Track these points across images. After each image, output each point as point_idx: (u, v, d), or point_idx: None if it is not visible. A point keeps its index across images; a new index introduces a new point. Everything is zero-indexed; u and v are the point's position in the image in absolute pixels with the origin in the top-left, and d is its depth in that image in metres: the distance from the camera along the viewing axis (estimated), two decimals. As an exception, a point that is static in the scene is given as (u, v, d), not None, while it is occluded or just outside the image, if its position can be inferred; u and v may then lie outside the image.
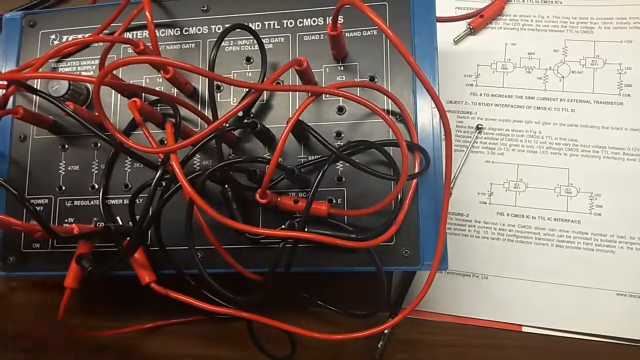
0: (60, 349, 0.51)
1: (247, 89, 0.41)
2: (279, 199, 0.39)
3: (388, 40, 0.42)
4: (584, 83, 0.50)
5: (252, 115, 0.42)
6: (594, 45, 0.51)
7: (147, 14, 0.37)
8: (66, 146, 0.44)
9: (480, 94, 0.51)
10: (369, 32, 0.43)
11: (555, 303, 0.46)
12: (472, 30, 0.53)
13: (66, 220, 0.43)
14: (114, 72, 0.43)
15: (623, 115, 0.49)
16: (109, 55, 0.42)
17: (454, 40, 0.53)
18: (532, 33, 0.52)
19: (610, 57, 0.50)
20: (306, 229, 0.38)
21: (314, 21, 0.43)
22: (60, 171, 0.44)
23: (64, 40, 0.46)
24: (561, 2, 0.52)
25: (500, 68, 0.52)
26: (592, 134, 0.49)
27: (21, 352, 0.51)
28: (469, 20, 0.53)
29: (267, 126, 0.40)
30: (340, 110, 0.42)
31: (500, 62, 0.52)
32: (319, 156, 0.41)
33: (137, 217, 0.37)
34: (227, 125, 0.38)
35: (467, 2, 0.54)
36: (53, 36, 0.47)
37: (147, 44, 0.40)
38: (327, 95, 0.42)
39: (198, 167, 0.42)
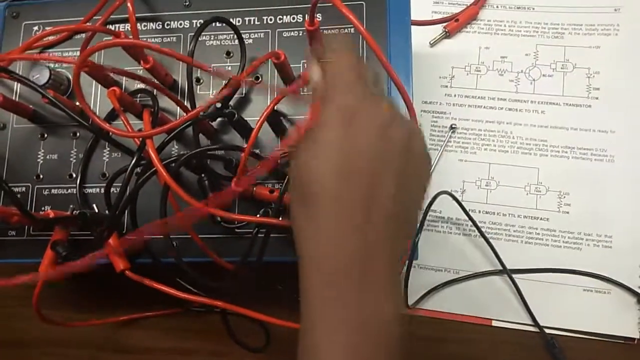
0: (33, 341, 0.51)
1: (225, 81, 0.42)
2: (254, 188, 0.40)
3: (358, 39, 0.44)
4: (554, 86, 0.52)
5: (230, 107, 0.43)
6: (564, 50, 0.53)
7: (129, 4, 0.38)
8: (45, 135, 0.45)
9: (455, 95, 0.53)
10: (347, 30, 0.44)
11: (524, 298, 0.47)
12: (448, 34, 0.54)
13: (43, 208, 0.43)
14: (96, 62, 0.44)
15: (591, 117, 0.51)
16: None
17: (430, 43, 0.54)
18: (505, 37, 0.54)
19: (579, 61, 0.52)
20: (280, 218, 0.39)
21: (294, 18, 0.45)
22: (38, 160, 0.44)
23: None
24: (533, 9, 0.54)
25: (474, 70, 0.53)
26: (562, 135, 0.51)
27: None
28: (444, 24, 0.54)
29: (245, 119, 0.41)
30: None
31: (474, 65, 0.53)
32: (296, 148, 0.42)
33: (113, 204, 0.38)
34: (205, 114, 0.39)
35: (444, 7, 0.56)
36: (36, 27, 0.47)
37: (129, 37, 0.41)
38: (306, 90, 0.43)
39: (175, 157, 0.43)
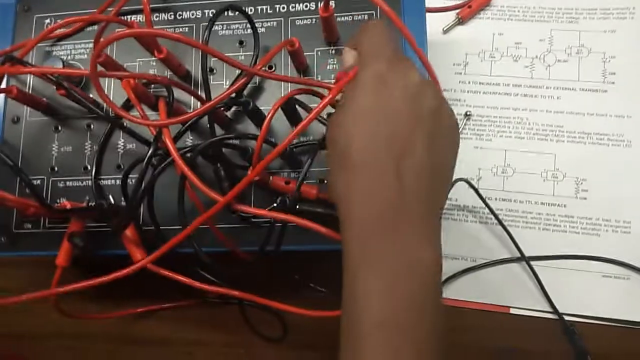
0: (49, 334, 0.51)
1: (239, 71, 0.42)
2: (271, 178, 0.40)
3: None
4: (569, 71, 0.51)
5: (244, 96, 0.43)
6: (579, 34, 0.52)
7: (143, -6, 0.38)
8: (59, 128, 0.44)
9: (469, 82, 0.52)
10: (359, 17, 0.43)
11: (543, 285, 0.47)
12: (461, 20, 0.54)
13: (58, 200, 0.43)
14: (109, 53, 0.44)
15: (607, 102, 0.50)
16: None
17: (443, 29, 0.54)
18: (518, 23, 0.53)
19: (594, 46, 0.52)
20: (297, 207, 0.38)
21: (306, 6, 0.44)
22: (53, 152, 0.44)
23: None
24: (547, -7, 0.54)
25: (488, 57, 0.53)
26: (578, 121, 0.50)
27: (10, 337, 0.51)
28: (457, 11, 0.54)
29: (259, 108, 0.40)
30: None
31: (488, 51, 0.53)
32: (311, 138, 0.42)
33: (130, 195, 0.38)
34: (221, 104, 0.38)
35: (456, -7, 0.55)
36: (47, 20, 0.47)
37: (142, 27, 0.41)
38: (320, 77, 0.43)
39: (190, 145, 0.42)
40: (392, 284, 0.26)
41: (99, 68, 0.39)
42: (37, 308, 0.51)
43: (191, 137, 0.43)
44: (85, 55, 0.46)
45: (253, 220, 0.41)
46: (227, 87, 0.42)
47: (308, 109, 0.41)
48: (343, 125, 0.29)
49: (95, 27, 0.46)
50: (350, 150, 0.28)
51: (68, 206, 0.39)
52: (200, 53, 0.44)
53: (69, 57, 0.46)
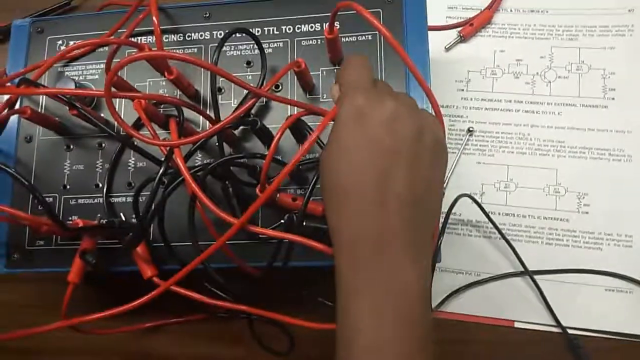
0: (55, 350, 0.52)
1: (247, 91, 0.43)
2: (278, 195, 0.41)
3: (382, 45, 0.44)
4: (570, 87, 0.52)
5: (252, 115, 0.44)
6: (579, 51, 0.53)
7: (154, 18, 0.39)
8: (71, 147, 0.46)
9: (471, 99, 0.53)
10: (363, 37, 0.45)
11: (547, 299, 0.47)
12: (463, 38, 0.55)
13: (70, 218, 0.44)
14: (120, 74, 0.45)
15: (608, 117, 0.51)
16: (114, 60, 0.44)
17: (445, 47, 0.55)
18: (519, 40, 0.54)
19: (594, 62, 0.53)
20: (304, 224, 0.39)
21: (312, 27, 0.45)
22: (65, 170, 0.45)
23: (70, 45, 0.48)
24: (547, 11, 0.55)
25: (490, 74, 0.54)
26: (579, 136, 0.51)
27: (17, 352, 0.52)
28: (459, 29, 0.55)
29: (267, 126, 0.41)
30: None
31: (490, 68, 0.54)
32: (316, 155, 0.43)
33: (141, 212, 0.39)
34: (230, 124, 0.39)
35: (457, 12, 0.56)
36: (60, 42, 0.48)
37: (152, 49, 0.42)
38: (325, 97, 0.44)
39: (199, 164, 0.43)
40: (380, 307, 0.28)
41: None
42: (44, 322, 0.52)
43: (200, 155, 0.44)
44: (97, 76, 0.47)
45: (260, 236, 0.42)
46: (236, 106, 0.43)
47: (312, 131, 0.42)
48: (329, 160, 0.30)
49: (106, 48, 0.47)
50: (337, 183, 0.30)
51: (80, 224, 0.40)
52: (209, 74, 0.45)
53: (81, 78, 0.47)
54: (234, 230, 0.35)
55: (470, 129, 0.52)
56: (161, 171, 0.37)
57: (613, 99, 0.52)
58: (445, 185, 0.50)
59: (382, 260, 0.28)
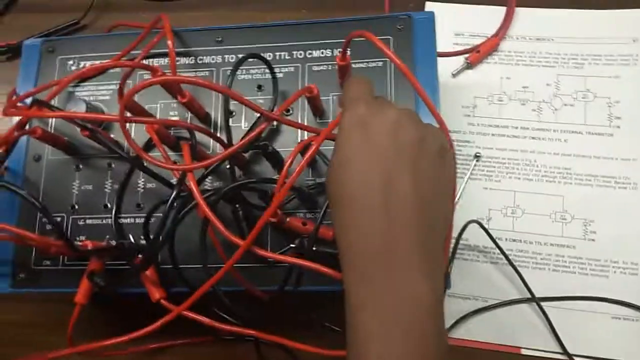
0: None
1: (258, 114, 0.44)
2: (288, 219, 0.41)
3: (392, 72, 0.45)
4: (575, 115, 0.53)
5: (262, 138, 0.44)
6: (585, 80, 0.54)
7: (169, 42, 0.39)
8: (80, 166, 0.46)
9: (478, 124, 0.54)
10: (374, 64, 0.45)
11: (553, 326, 0.47)
12: (469, 65, 0.55)
13: (78, 238, 0.44)
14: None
15: (613, 145, 0.52)
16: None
17: (452, 73, 0.56)
18: (525, 68, 0.55)
19: (600, 91, 0.53)
20: (314, 249, 0.39)
21: (322, 53, 0.46)
22: (73, 190, 0.45)
23: (81, 66, 0.48)
24: (553, 40, 0.56)
25: (497, 100, 0.54)
26: (585, 163, 0.51)
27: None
28: (466, 56, 0.56)
29: (277, 150, 0.42)
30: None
31: (497, 95, 0.55)
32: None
33: (151, 235, 0.39)
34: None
35: (464, 38, 0.57)
36: (71, 62, 0.49)
37: (165, 71, 0.42)
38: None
39: (209, 188, 0.44)
40: (389, 323, 0.27)
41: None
42: (49, 342, 0.52)
43: (210, 178, 0.44)
44: (108, 97, 0.47)
45: (269, 260, 0.42)
46: (246, 129, 0.44)
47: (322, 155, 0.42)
48: (333, 172, 0.30)
49: (117, 69, 0.48)
50: (342, 193, 0.29)
51: (89, 246, 0.40)
52: (220, 97, 0.45)
53: (92, 98, 0.47)
54: (240, 253, 0.35)
55: (477, 154, 0.53)
56: (173, 195, 0.37)
57: (618, 127, 0.52)
58: (456, 200, 0.50)
59: (389, 271, 0.27)
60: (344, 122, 0.31)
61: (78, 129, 0.44)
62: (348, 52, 0.45)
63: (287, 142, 0.44)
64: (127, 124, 0.45)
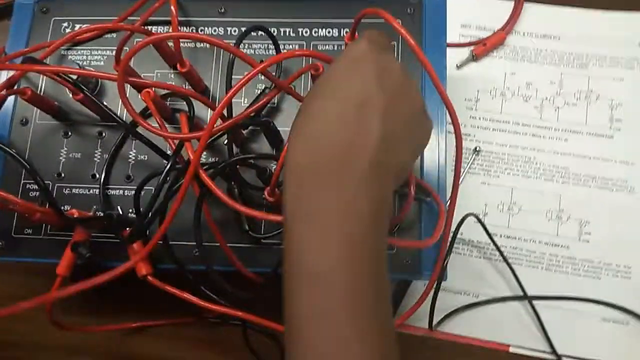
0: (34, 345, 0.49)
1: (259, 91, 0.42)
2: (284, 200, 0.40)
3: (399, 55, 0.44)
4: (577, 115, 0.53)
5: (262, 116, 0.42)
6: (588, 80, 0.54)
7: (172, 7, 0.38)
8: (69, 133, 0.44)
9: (479, 118, 0.53)
10: (382, 47, 0.44)
11: (544, 325, 0.47)
12: (475, 57, 0.55)
13: (63, 207, 0.42)
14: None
15: (613, 147, 0.51)
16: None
17: (456, 65, 0.55)
18: (530, 64, 0.55)
19: (602, 92, 0.53)
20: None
21: (329, 32, 0.45)
22: (60, 158, 0.43)
23: (76, 28, 0.46)
24: (559, 38, 0.55)
25: (499, 95, 0.54)
26: (584, 164, 0.51)
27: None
28: (472, 48, 0.55)
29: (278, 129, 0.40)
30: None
31: (500, 89, 0.54)
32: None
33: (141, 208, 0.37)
34: (241, 122, 0.38)
35: (471, 31, 0.56)
36: (65, 24, 0.47)
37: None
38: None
39: (205, 162, 0.42)
40: (325, 234, 0.25)
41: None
42: (26, 315, 0.50)
43: (205, 153, 0.42)
44: (102, 62, 0.45)
45: (263, 241, 0.41)
46: (246, 105, 0.42)
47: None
48: (316, 83, 0.30)
49: (113, 34, 0.46)
50: (314, 104, 0.28)
51: (76, 214, 0.38)
52: (220, 70, 0.44)
53: (85, 63, 0.45)
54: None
55: (477, 148, 0.52)
56: (168, 166, 0.35)
57: (619, 129, 0.52)
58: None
59: (331, 186, 0.26)
60: (348, 48, 0.30)
61: (70, 94, 0.42)
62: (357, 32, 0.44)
63: (287, 121, 0.42)
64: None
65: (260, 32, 0.43)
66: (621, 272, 0.48)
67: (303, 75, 0.43)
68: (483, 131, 0.53)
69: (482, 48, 0.54)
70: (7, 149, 0.35)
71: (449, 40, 0.54)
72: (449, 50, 0.54)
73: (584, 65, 0.54)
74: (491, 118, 0.53)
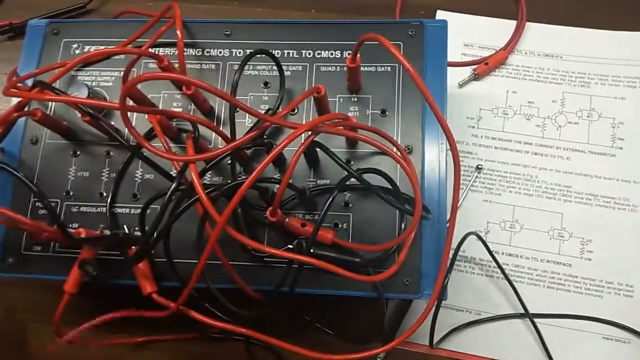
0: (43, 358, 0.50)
1: (264, 111, 0.43)
2: (287, 220, 0.40)
3: (400, 77, 0.44)
4: (579, 133, 0.53)
5: (265, 136, 0.43)
6: (590, 99, 0.54)
7: (178, 32, 0.39)
8: (78, 152, 0.45)
9: (481, 136, 0.54)
10: (383, 69, 0.45)
11: (545, 344, 0.47)
12: (477, 76, 0.55)
13: (71, 225, 0.43)
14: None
15: (615, 166, 0.52)
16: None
17: (458, 84, 0.56)
18: (532, 83, 0.55)
19: (604, 111, 0.53)
20: (312, 250, 0.39)
21: (332, 54, 0.45)
22: (69, 176, 0.44)
23: (85, 50, 0.48)
24: (561, 57, 0.56)
25: (501, 113, 0.54)
26: (586, 182, 0.51)
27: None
28: (474, 67, 0.56)
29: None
30: (353, 144, 0.43)
31: (502, 108, 0.54)
32: (328, 181, 0.42)
33: (146, 227, 0.38)
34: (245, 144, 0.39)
35: (473, 50, 0.57)
36: (75, 45, 0.48)
37: (171, 61, 0.42)
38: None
39: (209, 183, 0.43)
40: None
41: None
42: (35, 328, 0.51)
43: (210, 174, 0.43)
44: (110, 83, 0.46)
45: (265, 259, 0.41)
46: (250, 125, 0.43)
47: (328, 152, 0.41)
48: None
49: (122, 56, 0.47)
50: None
51: (83, 234, 0.39)
52: (225, 90, 0.44)
53: (94, 84, 0.46)
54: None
55: (479, 166, 0.52)
56: (172, 187, 0.36)
57: (621, 148, 0.52)
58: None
59: None
60: None
61: (78, 114, 0.43)
62: (358, 54, 0.45)
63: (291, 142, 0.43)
64: (129, 113, 0.45)
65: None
66: (623, 290, 0.48)
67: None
68: (485, 149, 0.53)
69: (484, 67, 0.55)
70: (17, 173, 0.36)
71: (451, 59, 0.55)
72: (451, 69, 0.55)
73: (586, 84, 0.55)
74: (493, 136, 0.54)
